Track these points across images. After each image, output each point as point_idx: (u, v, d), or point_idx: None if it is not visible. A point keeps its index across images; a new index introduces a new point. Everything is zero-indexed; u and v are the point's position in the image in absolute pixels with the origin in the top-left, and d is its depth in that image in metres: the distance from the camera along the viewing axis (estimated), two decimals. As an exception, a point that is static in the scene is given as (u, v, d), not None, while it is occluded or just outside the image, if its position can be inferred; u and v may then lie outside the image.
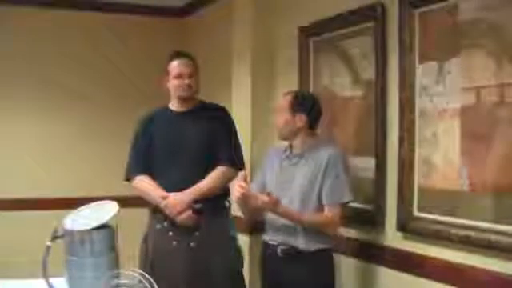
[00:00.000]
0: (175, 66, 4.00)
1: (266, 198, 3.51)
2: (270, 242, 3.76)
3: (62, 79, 6.44)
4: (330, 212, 3.63)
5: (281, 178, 3.76)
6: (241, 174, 3.84)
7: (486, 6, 3.05)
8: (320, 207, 3.65)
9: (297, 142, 3.77)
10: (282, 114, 3.75)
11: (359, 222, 3.92)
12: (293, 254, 3.64)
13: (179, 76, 3.99)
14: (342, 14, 4.15)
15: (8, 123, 6.34)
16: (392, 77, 3.72)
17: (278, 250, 3.69)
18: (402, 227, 3.59)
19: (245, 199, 3.59)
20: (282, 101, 3.80)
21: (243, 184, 3.57)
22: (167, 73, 4.02)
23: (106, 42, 6.64)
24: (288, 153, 3.81)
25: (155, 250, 3.97)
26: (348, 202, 3.68)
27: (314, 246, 3.64)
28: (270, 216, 3.75)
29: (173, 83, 4.02)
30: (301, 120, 3.76)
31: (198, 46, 5.81)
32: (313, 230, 3.62)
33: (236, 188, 3.59)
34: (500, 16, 2.97)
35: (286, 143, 3.87)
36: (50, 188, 6.36)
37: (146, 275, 2.66)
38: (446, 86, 3.28)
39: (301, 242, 3.63)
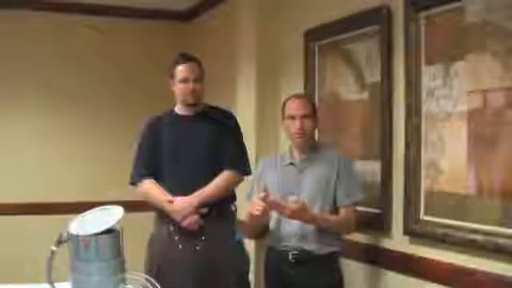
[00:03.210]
0: (181, 70, 3.98)
1: (295, 206, 3.46)
2: (278, 248, 3.73)
3: (64, 82, 6.48)
4: (347, 212, 3.65)
5: (284, 186, 3.72)
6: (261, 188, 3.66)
7: (492, 8, 3.04)
8: (334, 209, 3.65)
9: (304, 147, 3.75)
10: (309, 118, 3.72)
11: (366, 225, 3.91)
12: (305, 258, 3.62)
13: (184, 80, 3.97)
14: (347, 18, 4.15)
15: (10, 126, 6.37)
16: (398, 80, 3.71)
17: (290, 256, 3.66)
18: (409, 231, 3.58)
19: (264, 213, 3.54)
20: (305, 104, 3.75)
21: (263, 202, 3.49)
22: (172, 76, 4.01)
23: (108, 45, 6.64)
24: (290, 159, 3.79)
25: (161, 254, 3.95)
26: (360, 202, 3.70)
27: (326, 250, 3.64)
28: (276, 223, 3.73)
29: (178, 87, 4.00)
30: (317, 123, 3.79)
31: (202, 50, 5.79)
32: (325, 234, 3.62)
33: (257, 202, 3.50)
34: (506, 18, 2.96)
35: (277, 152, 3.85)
36: (54, 193, 6.37)
37: (152, 280, 2.65)
38: (453, 89, 3.27)
39: (314, 246, 3.63)
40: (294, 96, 3.88)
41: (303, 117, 3.69)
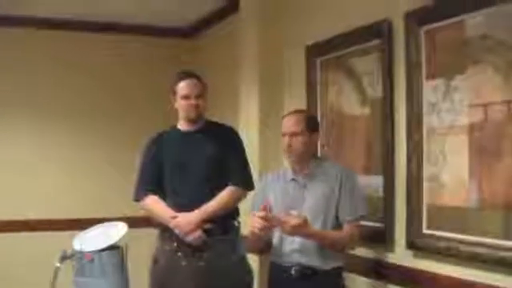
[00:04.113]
0: (182, 86, 4.00)
1: (296, 220, 3.43)
2: (281, 264, 3.72)
3: (66, 98, 6.50)
4: (349, 228, 3.63)
5: (287, 202, 3.70)
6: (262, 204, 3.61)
7: (493, 23, 3.05)
8: (337, 224, 3.65)
9: (306, 163, 3.74)
10: (299, 136, 3.67)
11: (368, 240, 3.90)
12: (308, 274, 3.61)
13: (187, 97, 3.99)
14: (348, 32, 4.16)
15: (10, 143, 6.36)
16: (399, 94, 3.72)
17: (292, 271, 3.65)
18: (412, 245, 3.58)
19: (266, 230, 3.51)
20: (295, 122, 3.71)
21: (262, 220, 3.45)
22: (174, 93, 4.03)
23: (110, 61, 6.66)
24: (292, 175, 3.77)
25: (165, 270, 3.95)
26: (364, 216, 3.68)
27: (329, 265, 3.62)
28: (279, 238, 3.73)
29: (180, 104, 4.02)
30: (317, 138, 3.78)
31: (204, 67, 5.83)
32: (328, 249, 3.61)
33: (256, 220, 3.47)
34: (507, 32, 2.97)
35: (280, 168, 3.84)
36: (59, 209, 6.37)
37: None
38: (454, 102, 3.28)
39: (316, 262, 3.61)
40: (289, 112, 3.87)
41: (292, 134, 3.67)
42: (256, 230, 3.47)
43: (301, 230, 3.47)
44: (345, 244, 3.67)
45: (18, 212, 6.25)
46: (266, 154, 5.01)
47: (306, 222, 3.46)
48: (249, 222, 3.68)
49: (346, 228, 3.63)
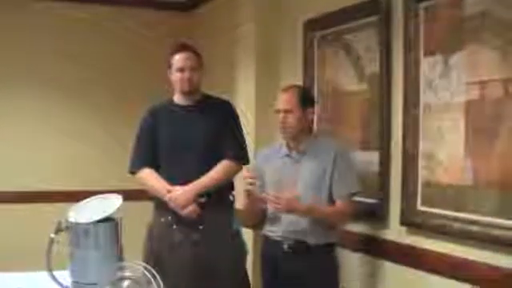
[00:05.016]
0: (178, 59, 3.98)
1: (288, 194, 3.50)
2: (274, 238, 3.75)
3: (65, 72, 6.43)
4: (342, 204, 3.64)
5: (281, 177, 3.73)
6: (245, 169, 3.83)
7: (492, 0, 3.04)
8: (330, 201, 3.65)
9: (300, 139, 3.74)
10: (293, 112, 3.68)
11: (363, 215, 3.92)
12: (301, 248, 3.63)
13: (181, 69, 3.97)
14: (346, 8, 4.14)
15: (11, 116, 6.33)
16: (396, 71, 3.71)
17: (285, 246, 3.68)
18: (406, 221, 3.59)
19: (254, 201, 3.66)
20: (288, 98, 3.72)
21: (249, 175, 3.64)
22: (170, 65, 4.01)
23: (108, 34, 6.62)
24: (286, 151, 3.79)
25: (159, 243, 3.96)
26: (356, 193, 3.69)
27: (322, 240, 3.64)
28: (273, 212, 3.74)
29: (175, 76, 4.00)
30: (311, 114, 3.77)
31: (202, 41, 5.80)
32: (321, 224, 3.62)
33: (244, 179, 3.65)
34: (505, 10, 2.96)
35: (276, 142, 3.87)
36: (54, 181, 6.36)
37: (150, 268, 2.66)
38: (451, 80, 3.28)
39: (309, 237, 3.63)
40: (284, 88, 3.88)
41: (286, 112, 3.69)
42: (248, 185, 3.65)
43: (294, 206, 3.49)
44: (337, 219, 3.69)
45: (16, 183, 6.25)
46: (262, 129, 5.00)
47: (296, 199, 3.50)
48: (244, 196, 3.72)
49: (339, 204, 3.64)
